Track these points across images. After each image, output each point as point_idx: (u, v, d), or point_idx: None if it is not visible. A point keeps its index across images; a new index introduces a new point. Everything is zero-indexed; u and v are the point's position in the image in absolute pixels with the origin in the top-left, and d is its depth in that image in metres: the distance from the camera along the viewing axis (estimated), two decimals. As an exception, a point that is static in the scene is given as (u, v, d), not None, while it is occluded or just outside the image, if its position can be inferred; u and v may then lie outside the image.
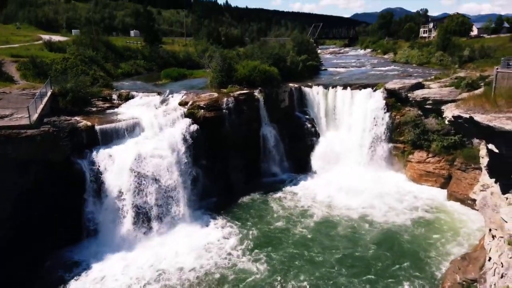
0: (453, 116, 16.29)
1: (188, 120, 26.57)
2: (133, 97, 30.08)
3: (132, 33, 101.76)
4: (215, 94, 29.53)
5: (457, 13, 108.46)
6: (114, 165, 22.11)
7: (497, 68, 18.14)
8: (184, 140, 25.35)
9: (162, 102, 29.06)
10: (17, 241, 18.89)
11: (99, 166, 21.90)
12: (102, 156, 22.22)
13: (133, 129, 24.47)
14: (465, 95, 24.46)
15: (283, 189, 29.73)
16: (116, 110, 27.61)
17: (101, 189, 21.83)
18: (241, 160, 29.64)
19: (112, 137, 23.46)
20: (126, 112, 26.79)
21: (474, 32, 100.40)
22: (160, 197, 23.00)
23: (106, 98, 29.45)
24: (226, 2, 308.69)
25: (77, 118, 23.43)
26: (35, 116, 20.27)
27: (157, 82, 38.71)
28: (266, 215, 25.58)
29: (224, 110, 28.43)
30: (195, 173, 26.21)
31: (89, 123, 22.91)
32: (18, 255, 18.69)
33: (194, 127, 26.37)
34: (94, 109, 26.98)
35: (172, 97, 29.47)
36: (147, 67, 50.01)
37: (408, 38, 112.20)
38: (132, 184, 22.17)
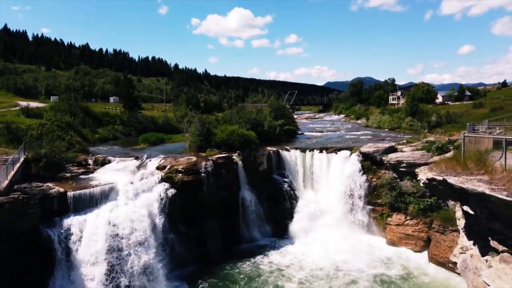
0: (427, 179, 16.69)
1: (165, 185, 26.11)
2: (109, 162, 29.63)
3: (111, 99, 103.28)
4: (194, 158, 29.51)
5: (422, 82, 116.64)
6: (86, 234, 21.03)
7: (464, 133, 19.12)
8: (161, 205, 24.69)
9: (139, 166, 28.70)
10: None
11: (69, 235, 20.76)
12: (73, 224, 21.16)
13: (108, 195, 23.72)
14: (436, 158, 25.36)
15: (263, 256, 28.70)
16: (91, 175, 26.93)
17: (70, 260, 20.48)
18: (220, 225, 28.91)
19: (85, 204, 22.56)
20: (102, 177, 26.15)
21: (439, 99, 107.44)
22: (134, 267, 21.69)
23: (81, 163, 28.86)
24: (205, 71, 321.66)
25: (50, 184, 22.63)
26: (5, 183, 19.47)
27: (135, 147, 38.57)
28: None
29: (203, 174, 28.25)
30: (171, 240, 25.20)
31: (61, 189, 22.11)
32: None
33: (172, 191, 25.86)
34: (68, 174, 26.23)
35: (150, 161, 29.22)
36: (125, 132, 50.11)
37: (378, 104, 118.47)
38: (103, 254, 20.95)
